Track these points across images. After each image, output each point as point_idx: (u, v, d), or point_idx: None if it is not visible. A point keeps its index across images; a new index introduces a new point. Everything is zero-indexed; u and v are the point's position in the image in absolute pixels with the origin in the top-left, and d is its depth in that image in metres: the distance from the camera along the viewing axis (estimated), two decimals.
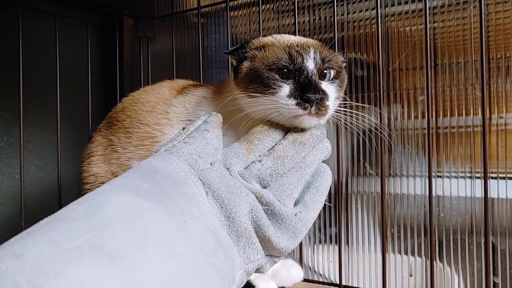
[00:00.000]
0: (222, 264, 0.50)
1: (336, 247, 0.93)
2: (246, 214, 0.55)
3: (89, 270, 0.38)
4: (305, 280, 0.93)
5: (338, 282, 0.90)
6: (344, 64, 0.75)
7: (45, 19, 1.15)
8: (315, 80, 0.65)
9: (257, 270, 0.59)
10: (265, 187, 0.60)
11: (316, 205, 0.61)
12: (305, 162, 0.63)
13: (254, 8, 1.10)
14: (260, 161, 0.61)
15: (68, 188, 1.08)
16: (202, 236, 0.49)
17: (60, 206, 1.07)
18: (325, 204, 0.63)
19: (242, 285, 0.58)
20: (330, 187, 0.62)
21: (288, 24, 1.06)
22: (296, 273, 0.90)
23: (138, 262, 0.41)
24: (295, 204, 0.60)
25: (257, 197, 0.57)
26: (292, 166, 0.62)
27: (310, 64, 0.66)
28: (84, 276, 0.37)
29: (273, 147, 0.63)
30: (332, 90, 0.68)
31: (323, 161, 0.67)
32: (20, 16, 1.04)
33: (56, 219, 0.43)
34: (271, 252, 0.58)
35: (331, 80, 0.69)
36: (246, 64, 0.70)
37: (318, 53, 0.67)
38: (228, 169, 0.59)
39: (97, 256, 0.39)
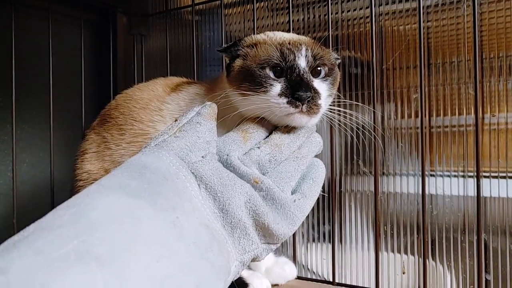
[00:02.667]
0: (216, 258, 0.50)
1: (330, 245, 0.93)
2: (241, 205, 0.55)
3: (77, 278, 0.37)
4: (299, 277, 0.94)
5: (331, 280, 0.90)
6: (338, 61, 0.75)
7: (38, 16, 1.14)
8: (306, 78, 0.65)
9: (254, 259, 0.59)
10: (263, 174, 0.60)
11: (313, 194, 0.61)
12: (301, 152, 0.64)
13: (248, 6, 1.10)
14: (258, 147, 0.61)
15: (61, 186, 1.08)
16: (196, 231, 0.49)
17: (52, 204, 1.06)
18: (318, 199, 0.64)
19: (238, 275, 0.58)
20: (324, 185, 0.63)
21: (282, 22, 1.06)
22: (289, 270, 0.90)
23: (129, 263, 0.40)
24: (292, 193, 0.61)
25: (256, 183, 0.57)
26: (289, 155, 0.63)
27: (302, 62, 0.66)
28: (72, 285, 0.36)
29: (268, 136, 0.64)
30: (324, 88, 0.68)
31: (317, 157, 0.67)
32: (13, 13, 1.03)
33: (42, 227, 0.42)
34: (269, 239, 0.59)
35: (324, 77, 0.69)
36: (238, 62, 0.70)
37: (310, 51, 0.67)
38: (227, 155, 0.59)
39: (86, 262, 0.38)
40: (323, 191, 0.65)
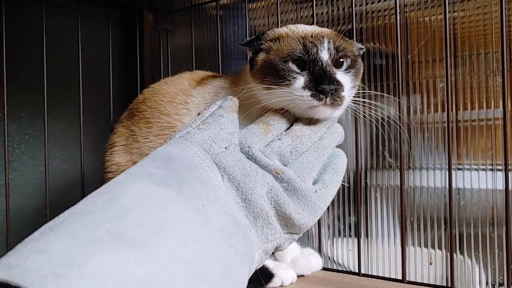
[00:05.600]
0: (241, 244, 0.51)
1: (356, 240, 0.93)
2: (263, 196, 0.56)
3: (111, 258, 0.38)
4: (324, 268, 0.94)
5: (357, 271, 0.90)
6: (362, 51, 0.75)
7: (67, 15, 1.17)
8: (329, 71, 0.66)
9: (276, 249, 0.60)
10: (285, 165, 0.61)
11: (334, 184, 0.62)
12: (322, 143, 0.64)
13: (272, 0, 1.11)
14: (279, 139, 0.62)
15: (91, 180, 1.11)
16: (220, 218, 0.50)
17: (83, 197, 1.09)
18: (344, 192, 0.64)
19: (262, 264, 0.59)
20: (349, 178, 0.63)
21: (306, 16, 1.06)
22: (315, 261, 0.90)
23: (159, 247, 0.42)
24: (314, 184, 0.61)
25: (278, 174, 0.58)
26: (310, 146, 0.63)
27: (325, 55, 0.67)
28: (106, 264, 0.38)
29: (289, 127, 0.64)
30: (347, 80, 0.68)
31: (342, 150, 0.68)
32: (44, 12, 1.06)
33: (76, 213, 0.44)
34: (291, 229, 0.59)
35: (346, 69, 0.69)
36: (261, 56, 0.71)
37: (332, 43, 0.67)
38: (249, 147, 0.60)
39: (118, 244, 0.40)
40: (345, 181, 0.66)
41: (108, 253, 0.39)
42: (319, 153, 0.63)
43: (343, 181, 0.64)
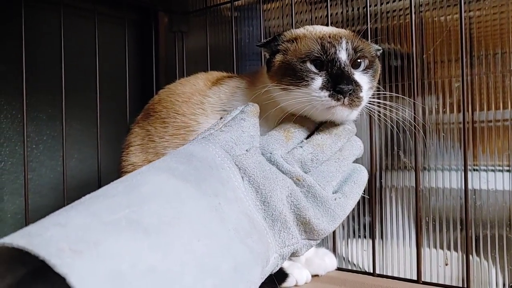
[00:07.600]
0: (256, 244, 0.51)
1: (370, 241, 0.93)
2: (282, 199, 0.57)
3: (126, 242, 0.40)
4: (339, 268, 0.94)
5: (371, 271, 0.90)
6: (379, 53, 0.75)
7: (84, 17, 1.19)
8: (347, 71, 0.65)
9: (293, 254, 0.60)
10: (305, 173, 0.61)
11: (354, 195, 0.63)
12: (342, 154, 0.65)
13: (286, 1, 1.11)
14: (301, 146, 0.63)
15: (107, 180, 1.11)
16: (236, 218, 0.51)
17: None
18: (362, 198, 0.64)
19: (277, 268, 0.59)
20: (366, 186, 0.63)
21: (321, 16, 1.06)
22: (329, 261, 0.90)
23: (173, 238, 0.43)
24: (334, 193, 0.62)
25: (298, 180, 0.59)
26: (330, 156, 0.64)
27: (343, 55, 0.66)
28: (121, 247, 0.39)
29: (309, 136, 0.65)
30: (365, 81, 0.68)
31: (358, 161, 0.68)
32: (62, 14, 1.08)
33: (97, 195, 0.46)
34: (310, 235, 0.60)
35: (364, 70, 0.69)
36: (278, 57, 0.71)
37: (350, 44, 0.67)
38: (270, 153, 0.60)
39: (135, 230, 0.41)
40: (365, 193, 0.66)
41: (124, 236, 0.40)
42: (339, 163, 0.64)
43: (363, 193, 0.65)
